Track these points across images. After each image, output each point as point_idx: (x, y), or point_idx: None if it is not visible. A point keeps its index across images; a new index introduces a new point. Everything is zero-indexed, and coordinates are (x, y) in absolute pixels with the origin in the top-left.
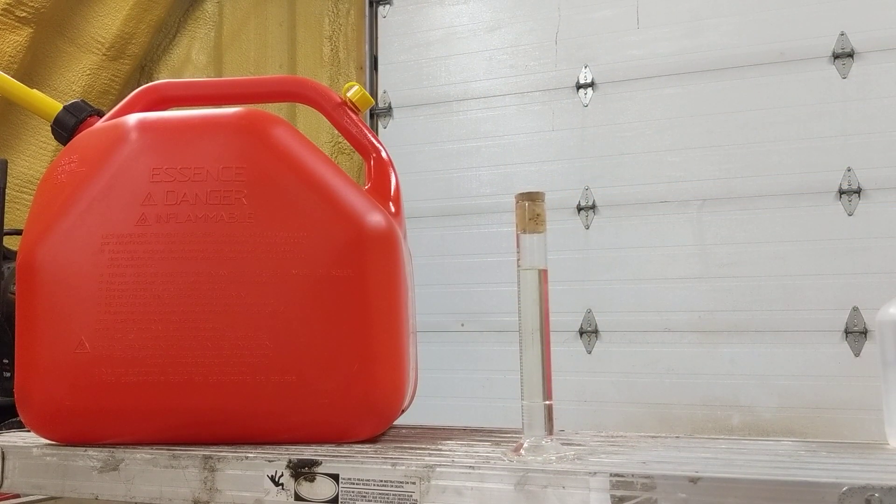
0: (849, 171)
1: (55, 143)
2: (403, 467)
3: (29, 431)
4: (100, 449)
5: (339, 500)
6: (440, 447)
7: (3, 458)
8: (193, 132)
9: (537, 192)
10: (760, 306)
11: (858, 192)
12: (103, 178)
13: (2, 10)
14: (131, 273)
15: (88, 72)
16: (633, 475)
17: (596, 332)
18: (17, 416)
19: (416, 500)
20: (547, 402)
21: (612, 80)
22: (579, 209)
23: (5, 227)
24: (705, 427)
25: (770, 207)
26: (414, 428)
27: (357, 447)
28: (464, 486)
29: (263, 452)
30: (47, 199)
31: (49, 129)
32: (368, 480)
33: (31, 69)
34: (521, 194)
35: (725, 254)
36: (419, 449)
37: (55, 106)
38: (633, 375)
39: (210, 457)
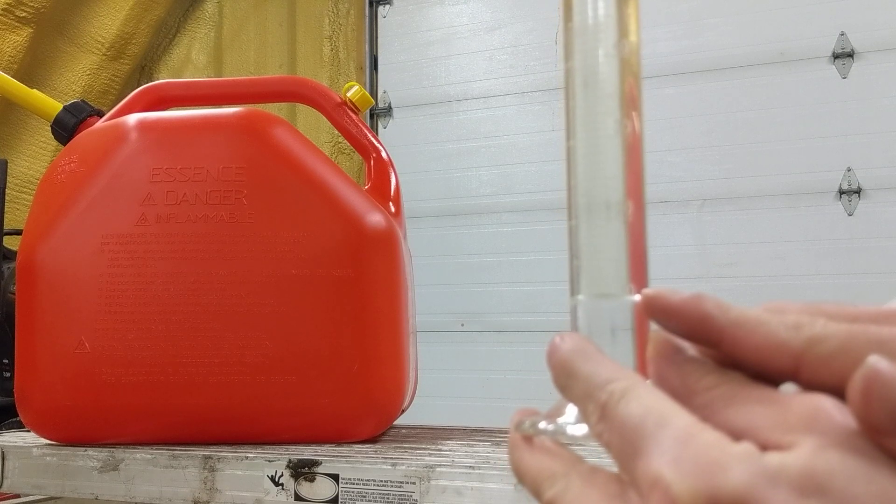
0: (849, 171)
1: (55, 143)
2: (403, 467)
3: (29, 431)
4: (100, 449)
5: (339, 500)
6: (440, 447)
7: (3, 458)
8: (193, 132)
9: None
10: None
11: (858, 192)
12: (103, 178)
13: (2, 10)
14: (131, 273)
15: (88, 72)
16: None
17: None
18: (17, 416)
19: (416, 500)
20: (637, 298)
21: None
22: None
23: (5, 227)
24: None
25: (770, 207)
26: (414, 428)
27: (357, 447)
28: (464, 486)
29: (263, 452)
30: (47, 199)
31: (49, 129)
32: (368, 480)
33: (31, 69)
34: None
35: (725, 254)
36: (419, 449)
37: (55, 106)
38: None
39: (210, 457)
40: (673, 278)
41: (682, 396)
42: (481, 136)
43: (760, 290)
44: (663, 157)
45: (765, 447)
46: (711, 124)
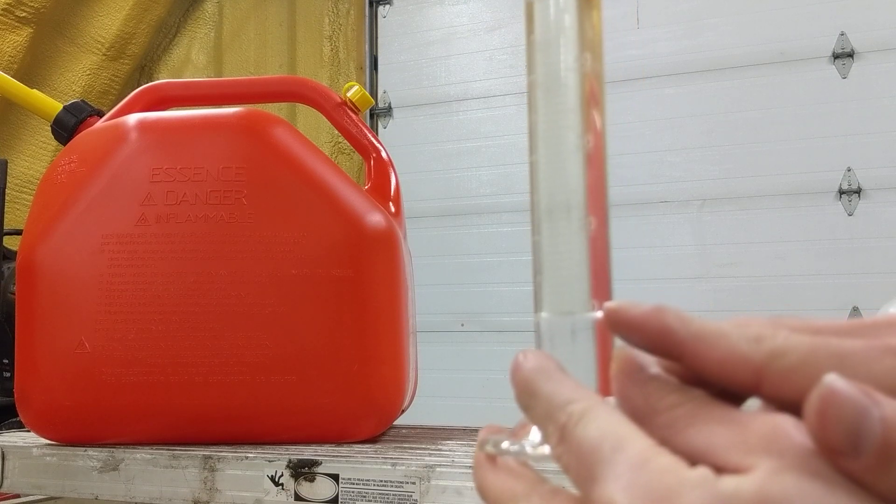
0: (849, 171)
1: (55, 143)
2: (403, 467)
3: (29, 431)
4: (100, 449)
5: (339, 500)
6: (440, 447)
7: (3, 458)
8: (193, 132)
9: None
10: (760, 306)
11: (858, 192)
12: (103, 178)
13: (2, 10)
14: (131, 273)
15: (88, 72)
16: None
17: None
18: (17, 416)
19: (416, 500)
20: (599, 315)
21: (612, 80)
22: None
23: (5, 227)
24: None
25: (770, 207)
26: (414, 428)
27: (357, 447)
28: (464, 486)
29: (263, 452)
30: (47, 199)
31: (49, 129)
32: (368, 480)
33: (31, 69)
34: None
35: (725, 254)
36: (419, 449)
37: (55, 106)
38: None
39: (210, 457)
40: (673, 278)
41: (645, 415)
42: (481, 136)
43: (760, 290)
44: (663, 157)
45: (723, 469)
46: (711, 124)
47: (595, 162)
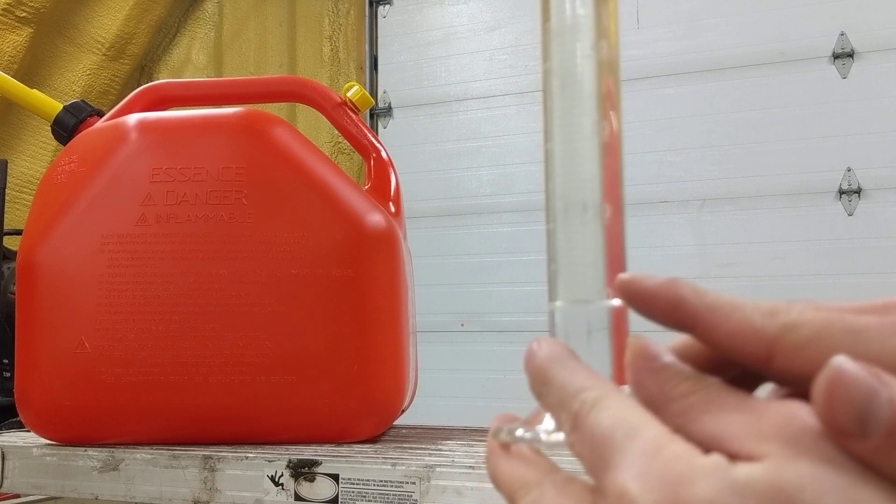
0: (849, 171)
1: (55, 143)
2: (403, 467)
3: (29, 431)
4: (100, 449)
5: (339, 500)
6: (440, 447)
7: (3, 458)
8: (193, 132)
9: None
10: None
11: (858, 192)
12: (103, 178)
13: (2, 10)
14: (131, 273)
15: (88, 72)
16: None
17: None
18: (17, 416)
19: (416, 500)
20: (614, 303)
21: None
22: None
23: (5, 227)
24: None
25: (770, 207)
26: (414, 428)
27: (357, 447)
28: (464, 486)
29: (263, 452)
30: (47, 199)
31: (49, 129)
32: (368, 480)
33: (31, 69)
34: None
35: (725, 254)
36: (419, 449)
37: (55, 106)
38: None
39: (210, 457)
40: None
41: (659, 403)
42: (481, 136)
43: (760, 290)
44: (663, 157)
45: (737, 456)
46: (711, 124)
47: (611, 150)
